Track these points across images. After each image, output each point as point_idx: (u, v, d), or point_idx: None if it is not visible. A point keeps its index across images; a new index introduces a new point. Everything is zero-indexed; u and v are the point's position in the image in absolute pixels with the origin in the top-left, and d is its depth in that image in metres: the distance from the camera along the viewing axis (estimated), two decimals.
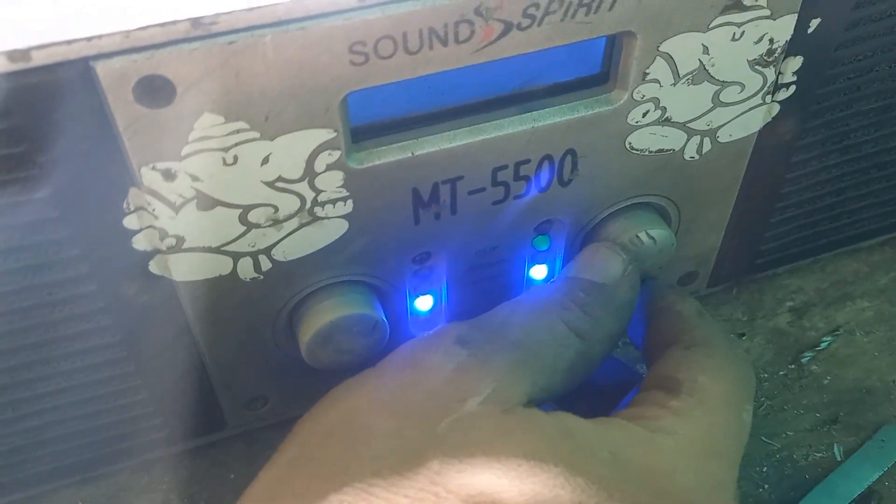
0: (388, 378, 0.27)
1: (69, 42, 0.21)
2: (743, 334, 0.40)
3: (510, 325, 0.28)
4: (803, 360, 0.39)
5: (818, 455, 0.36)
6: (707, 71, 0.29)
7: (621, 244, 0.32)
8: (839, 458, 0.36)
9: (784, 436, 0.37)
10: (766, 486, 0.35)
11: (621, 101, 0.29)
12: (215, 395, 0.33)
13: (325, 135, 0.26)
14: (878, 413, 0.37)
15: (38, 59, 0.21)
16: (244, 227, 0.27)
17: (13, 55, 0.21)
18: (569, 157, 0.30)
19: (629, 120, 0.30)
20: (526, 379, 0.26)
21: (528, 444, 0.24)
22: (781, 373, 0.39)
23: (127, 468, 0.35)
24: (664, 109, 0.30)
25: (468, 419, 0.25)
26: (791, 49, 0.30)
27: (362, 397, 0.27)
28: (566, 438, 0.25)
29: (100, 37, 0.21)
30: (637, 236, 0.32)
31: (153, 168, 0.24)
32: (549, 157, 0.30)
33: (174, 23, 0.22)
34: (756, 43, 0.29)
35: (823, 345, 0.40)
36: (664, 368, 0.29)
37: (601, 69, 0.29)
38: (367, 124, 0.28)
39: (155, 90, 0.23)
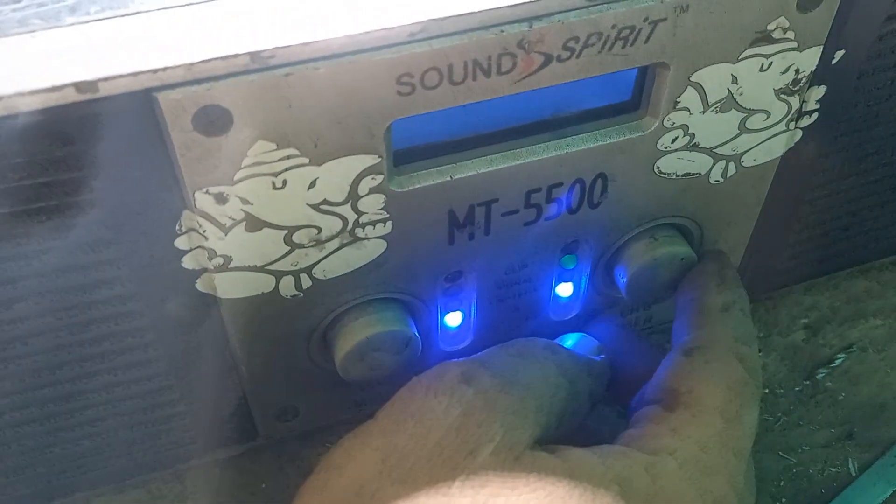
0: (391, 435, 0.26)
1: (135, 74, 0.22)
2: (759, 350, 0.41)
3: (507, 364, 0.28)
4: (818, 377, 0.40)
5: (833, 470, 0.37)
6: (735, 99, 0.30)
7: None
8: (854, 473, 0.37)
9: (800, 451, 0.38)
10: (783, 500, 0.36)
11: (652, 128, 0.30)
12: (248, 406, 0.34)
13: (369, 160, 0.27)
14: (892, 429, 0.38)
15: (105, 90, 0.22)
16: (288, 248, 0.28)
17: (81, 86, 0.22)
18: (599, 181, 0.31)
19: (658, 146, 0.30)
20: (529, 418, 0.27)
21: (541, 490, 0.24)
22: (797, 389, 0.40)
23: (160, 477, 0.36)
24: (692, 136, 0.31)
25: (481, 473, 0.25)
26: (815, 78, 0.31)
27: (368, 463, 0.26)
28: (576, 479, 0.25)
29: (164, 69, 0.22)
30: (662, 257, 0.33)
31: (206, 192, 0.25)
32: (580, 181, 0.31)
33: (234, 56, 0.22)
34: (783, 73, 0.30)
35: (837, 361, 0.40)
36: (664, 378, 0.30)
37: (632, 96, 0.30)
38: (407, 148, 0.28)
39: (213, 119, 0.23)
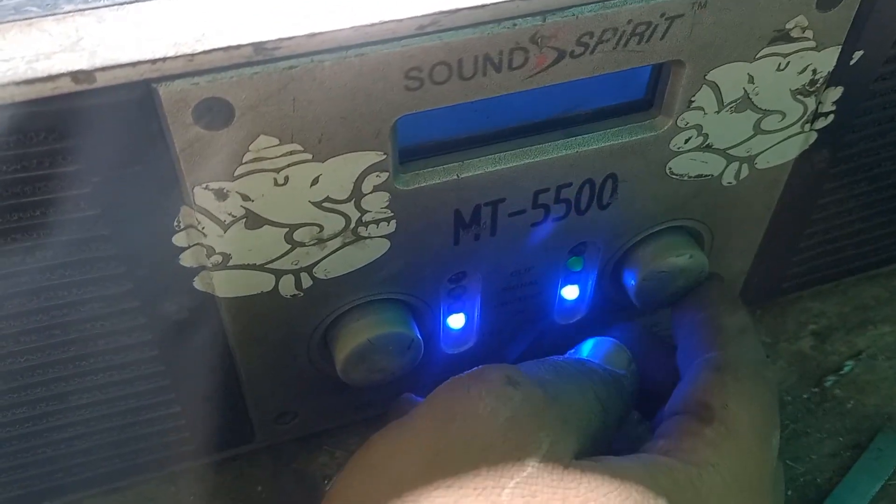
0: (434, 436, 0.25)
1: (134, 64, 0.21)
2: (767, 356, 0.40)
3: (548, 380, 0.27)
4: (826, 385, 0.39)
5: (841, 479, 0.36)
6: (750, 99, 0.29)
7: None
8: None
9: (807, 460, 0.37)
10: None
11: (665, 128, 0.29)
12: (246, 408, 0.33)
13: (374, 157, 0.26)
14: None
15: (102, 81, 0.21)
16: (289, 246, 0.27)
17: (78, 76, 0.21)
18: (609, 181, 0.30)
19: (671, 146, 0.30)
20: (571, 433, 0.26)
21: (593, 502, 0.24)
22: (805, 396, 0.39)
23: (155, 478, 0.35)
24: (706, 136, 0.30)
25: (531, 481, 0.24)
26: (833, 80, 0.30)
27: (411, 465, 0.25)
28: (626, 490, 0.24)
29: (164, 59, 0.21)
30: (672, 260, 0.33)
31: (206, 188, 0.24)
32: (590, 181, 0.30)
33: (237, 47, 0.22)
34: (800, 73, 0.29)
35: (846, 369, 0.40)
36: (696, 391, 0.29)
37: (645, 95, 0.29)
38: (413, 145, 0.28)
39: (214, 113, 0.23)
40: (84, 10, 0.23)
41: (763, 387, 0.29)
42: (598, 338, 0.33)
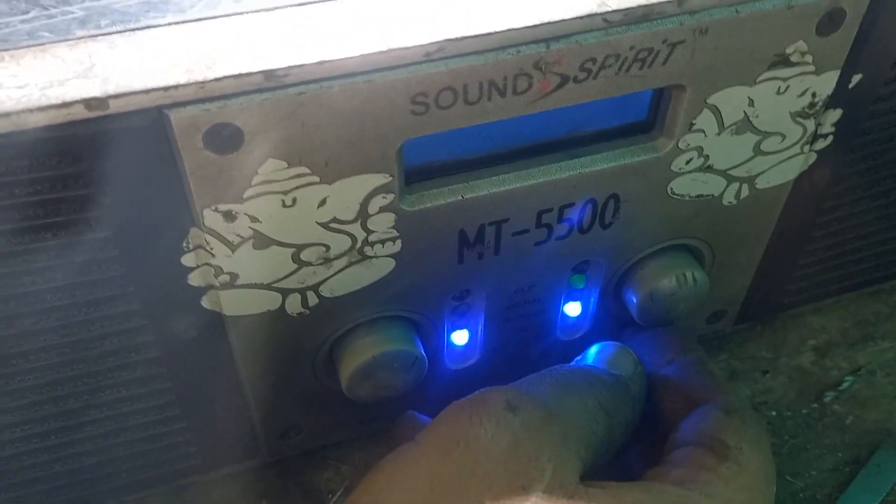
0: (437, 462, 0.26)
1: (147, 91, 0.21)
2: (767, 371, 0.41)
3: (549, 395, 0.28)
4: (826, 400, 0.40)
5: (840, 495, 0.36)
6: (751, 122, 0.30)
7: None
8: None
9: (807, 475, 0.37)
10: None
11: (666, 150, 0.29)
12: (251, 424, 0.33)
13: (380, 179, 0.26)
14: None
15: (115, 108, 0.21)
16: (296, 265, 0.28)
17: (91, 103, 0.21)
18: (612, 202, 0.31)
19: (673, 167, 0.30)
20: (574, 452, 0.26)
21: None
22: (804, 411, 0.39)
23: (160, 493, 0.35)
24: (707, 157, 0.30)
25: None
26: (832, 102, 0.30)
27: (415, 492, 0.25)
28: None
29: (176, 87, 0.22)
30: (674, 278, 0.33)
31: (215, 210, 0.25)
32: (592, 201, 0.30)
33: (248, 74, 0.22)
34: (799, 96, 0.29)
35: (845, 385, 0.40)
36: (710, 428, 0.30)
37: (647, 117, 0.30)
38: (418, 165, 0.28)
39: (224, 138, 0.23)
40: (96, 35, 0.23)
41: (765, 436, 0.30)
42: (604, 342, 0.34)
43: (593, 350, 0.33)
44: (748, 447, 0.29)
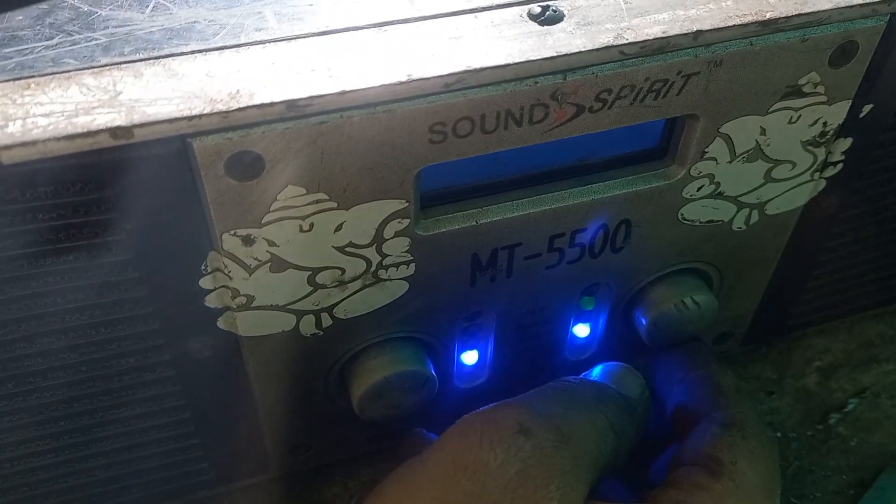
0: (444, 488, 0.25)
1: (171, 121, 0.22)
2: (772, 392, 0.41)
3: (561, 415, 0.28)
4: (830, 422, 0.40)
5: None
6: (762, 150, 0.30)
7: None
8: None
9: (812, 497, 0.37)
10: None
11: (678, 177, 0.30)
12: (262, 440, 0.34)
13: (396, 205, 0.26)
14: None
15: (140, 136, 0.22)
16: (311, 288, 0.28)
17: (116, 132, 0.21)
18: (623, 227, 0.31)
19: (684, 193, 0.30)
20: (581, 476, 0.26)
21: None
22: (809, 433, 0.39)
23: None
24: (718, 184, 0.31)
25: None
26: (842, 131, 0.31)
27: None
28: None
29: (200, 116, 0.22)
30: (682, 301, 0.33)
31: (234, 234, 0.25)
32: (604, 227, 0.31)
33: (271, 104, 0.22)
34: (811, 125, 0.30)
35: (850, 407, 0.40)
36: (704, 445, 0.30)
37: (659, 144, 0.30)
38: (433, 190, 0.28)
39: (245, 165, 0.23)
40: (121, 63, 0.23)
41: (768, 446, 0.30)
42: (611, 362, 0.34)
43: (600, 368, 0.34)
44: (745, 461, 0.29)
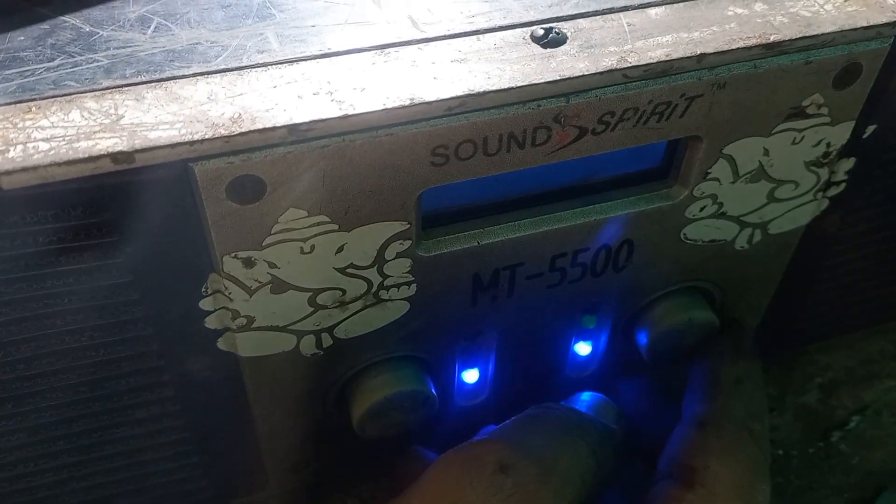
0: None
1: (173, 146, 0.22)
2: (773, 409, 0.41)
3: (543, 448, 0.28)
4: (832, 439, 0.40)
5: None
6: (765, 171, 0.30)
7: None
8: None
9: None
10: None
11: (681, 197, 0.30)
12: (262, 459, 0.34)
13: (398, 227, 0.26)
14: None
15: (141, 161, 0.22)
16: (312, 309, 0.28)
17: (118, 157, 0.21)
18: (625, 246, 0.31)
19: (687, 213, 0.30)
20: None
21: None
22: (811, 451, 0.39)
23: None
24: (721, 204, 0.30)
25: None
26: (846, 151, 0.31)
27: None
28: None
29: (202, 141, 0.22)
30: (684, 319, 0.33)
31: (235, 256, 0.25)
32: (606, 247, 0.30)
33: (273, 129, 0.22)
34: (814, 146, 0.30)
35: (851, 424, 0.40)
36: (679, 453, 0.30)
37: (662, 164, 0.30)
38: (435, 210, 0.28)
39: (246, 189, 0.23)
40: (122, 86, 0.23)
41: (747, 440, 0.30)
42: (588, 392, 0.34)
43: (581, 397, 0.34)
44: (717, 462, 0.28)
